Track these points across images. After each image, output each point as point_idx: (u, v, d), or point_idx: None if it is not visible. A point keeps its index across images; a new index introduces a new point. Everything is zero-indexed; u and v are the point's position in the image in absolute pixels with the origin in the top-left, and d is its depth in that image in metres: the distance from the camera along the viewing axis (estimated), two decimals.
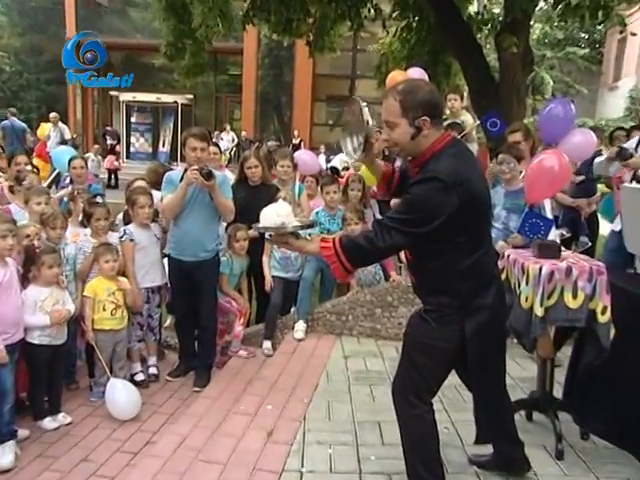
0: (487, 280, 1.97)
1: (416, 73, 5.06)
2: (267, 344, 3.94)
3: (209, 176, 3.22)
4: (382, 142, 3.47)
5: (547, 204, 3.72)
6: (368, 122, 1.94)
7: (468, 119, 4.85)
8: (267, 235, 2.12)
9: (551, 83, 18.76)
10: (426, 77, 5.05)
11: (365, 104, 1.95)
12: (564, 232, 4.19)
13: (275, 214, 1.96)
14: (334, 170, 7.30)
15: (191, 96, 18.59)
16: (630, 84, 18.10)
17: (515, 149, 3.83)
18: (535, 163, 3.45)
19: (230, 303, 3.89)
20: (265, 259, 4.10)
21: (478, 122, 5.23)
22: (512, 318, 2.70)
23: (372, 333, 4.02)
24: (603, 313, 2.66)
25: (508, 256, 3.12)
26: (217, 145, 4.63)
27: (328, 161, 15.86)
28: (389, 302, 3.99)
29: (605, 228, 4.51)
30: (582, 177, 4.63)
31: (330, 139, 18.99)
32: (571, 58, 20.06)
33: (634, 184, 3.49)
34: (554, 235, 3.56)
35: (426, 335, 1.95)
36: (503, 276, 3.14)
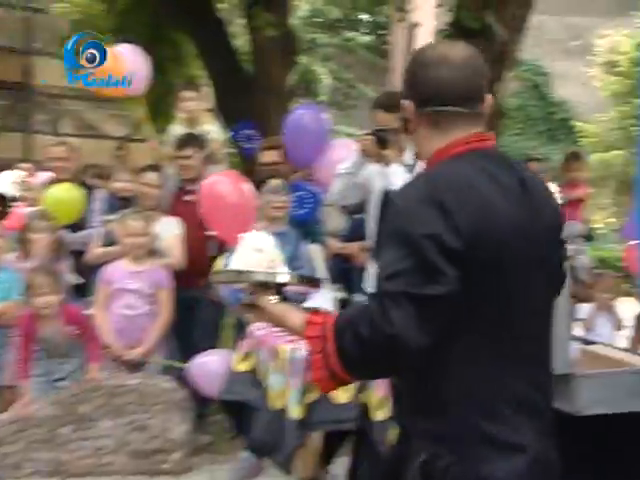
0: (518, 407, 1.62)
1: (127, 52, 5.14)
2: None
3: None
4: None
5: (318, 252, 4.07)
6: None
7: (213, 130, 5.09)
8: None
9: (328, 80, 20.88)
10: (142, 59, 5.14)
11: None
12: (339, 293, 4.39)
13: (254, 249, 1.78)
14: None
15: None
16: None
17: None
18: (206, 187, 3.94)
19: None
20: None
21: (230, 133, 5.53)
22: (258, 427, 2.85)
23: (56, 469, 3.86)
24: (379, 407, 2.95)
25: (254, 333, 3.32)
26: None
27: None
28: (82, 415, 3.88)
29: None
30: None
31: None
32: (351, 47, 22.58)
33: None
34: (324, 299, 3.85)
35: None
36: (247, 364, 3.33)
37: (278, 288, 1.75)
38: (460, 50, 1.70)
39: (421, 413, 1.64)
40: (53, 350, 3.97)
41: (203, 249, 4.49)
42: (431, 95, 1.66)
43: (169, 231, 4.41)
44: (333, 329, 1.57)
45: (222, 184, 4.02)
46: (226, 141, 5.64)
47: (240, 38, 14.76)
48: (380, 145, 3.53)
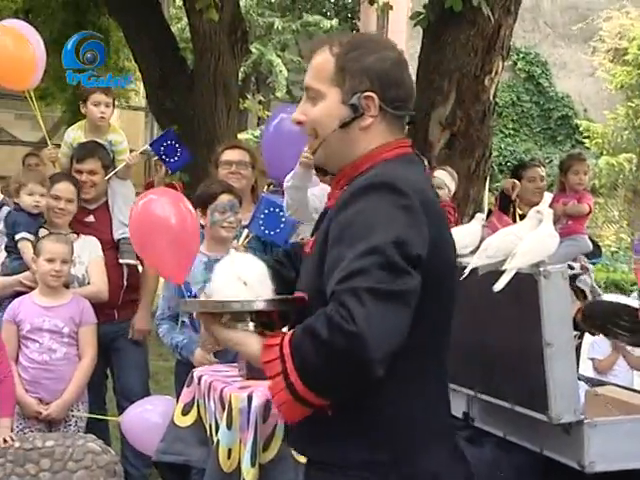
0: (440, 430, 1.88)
1: (21, 28, 5.08)
2: None
3: None
4: None
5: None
6: None
7: (120, 139, 5.07)
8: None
9: (285, 73, 20.83)
10: (39, 39, 5.08)
11: None
12: None
13: (238, 278, 1.84)
14: None
15: None
16: None
17: (228, 184, 4.14)
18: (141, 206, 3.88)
19: None
20: None
21: (147, 146, 5.49)
22: None
23: None
24: None
25: (199, 379, 3.29)
26: None
27: None
28: None
29: None
30: None
31: None
32: (313, 32, 22.57)
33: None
34: None
35: None
36: (191, 416, 3.29)
37: (254, 315, 1.85)
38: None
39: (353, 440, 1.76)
40: None
41: (114, 278, 4.47)
42: (402, 96, 1.88)
43: (89, 253, 4.36)
44: (290, 344, 1.64)
45: (160, 204, 3.96)
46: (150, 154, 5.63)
47: (180, 22, 14.78)
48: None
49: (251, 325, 1.84)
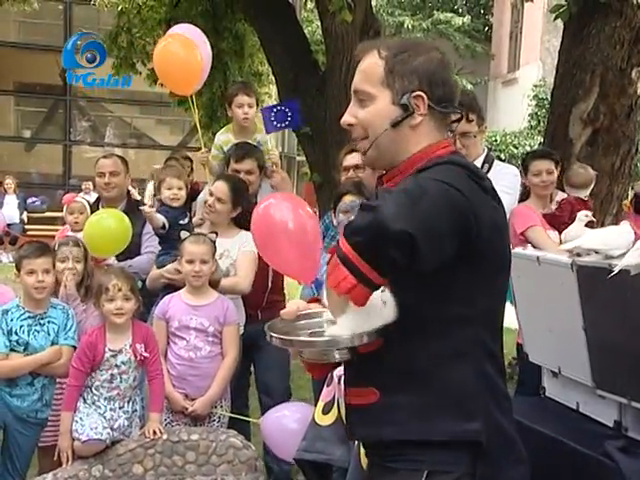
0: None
1: (190, 32, 5.22)
2: None
3: None
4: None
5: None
6: None
7: (266, 138, 5.19)
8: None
9: None
10: (205, 41, 5.25)
11: None
12: None
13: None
14: None
15: None
16: (533, 76, 21.02)
17: (358, 183, 4.15)
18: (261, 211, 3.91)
19: None
20: None
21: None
22: None
23: None
24: None
25: (339, 378, 3.29)
26: None
27: (25, 208, 15.35)
28: (134, 477, 3.87)
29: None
30: None
31: (27, 166, 18.56)
32: (444, 30, 22.48)
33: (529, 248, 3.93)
34: None
35: None
36: (332, 415, 3.31)
37: None
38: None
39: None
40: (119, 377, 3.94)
41: (260, 280, 4.51)
42: (449, 95, 2.01)
43: (239, 247, 4.44)
44: (345, 238, 1.80)
45: (279, 208, 3.97)
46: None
47: (311, 25, 14.94)
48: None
49: (344, 352, 1.98)
